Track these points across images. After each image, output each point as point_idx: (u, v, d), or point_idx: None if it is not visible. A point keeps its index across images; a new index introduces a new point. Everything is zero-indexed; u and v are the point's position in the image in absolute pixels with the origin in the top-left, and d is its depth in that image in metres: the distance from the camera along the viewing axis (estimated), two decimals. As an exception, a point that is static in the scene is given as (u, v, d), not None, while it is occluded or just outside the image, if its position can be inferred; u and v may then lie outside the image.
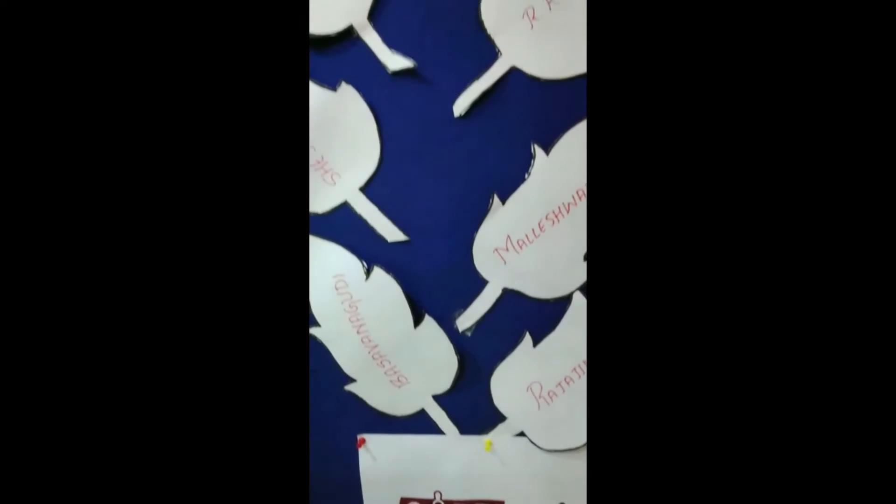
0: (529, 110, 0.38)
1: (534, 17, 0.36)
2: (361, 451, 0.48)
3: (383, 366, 0.45)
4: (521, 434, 0.46)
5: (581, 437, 0.45)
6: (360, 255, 0.43)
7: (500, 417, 0.45)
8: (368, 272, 0.43)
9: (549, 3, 0.36)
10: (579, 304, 0.42)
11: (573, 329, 0.42)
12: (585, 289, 0.41)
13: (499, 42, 0.37)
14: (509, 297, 0.42)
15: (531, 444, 0.46)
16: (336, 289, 0.44)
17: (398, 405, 0.46)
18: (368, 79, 0.39)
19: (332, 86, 0.39)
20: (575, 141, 0.38)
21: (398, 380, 0.45)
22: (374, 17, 0.38)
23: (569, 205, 0.39)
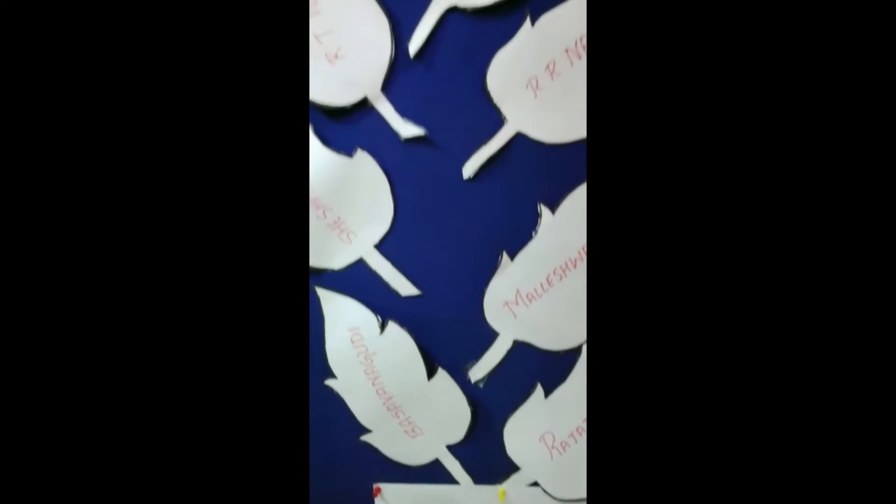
0: (535, 173, 0.40)
1: (537, 87, 0.39)
2: (377, 501, 0.49)
3: (398, 416, 0.46)
4: (535, 484, 0.46)
5: (594, 487, 0.45)
6: (375, 309, 0.44)
7: (513, 467, 0.46)
8: (383, 326, 0.44)
9: (551, 75, 0.38)
10: (588, 355, 0.43)
11: (583, 380, 0.43)
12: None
13: (504, 110, 0.40)
14: (520, 349, 0.44)
15: (545, 494, 0.46)
16: (352, 342, 0.45)
17: (413, 455, 0.47)
18: (382, 145, 0.42)
19: (349, 152, 0.42)
20: (579, 201, 0.40)
21: (413, 430, 0.46)
22: (386, 88, 0.41)
23: (575, 260, 0.41)
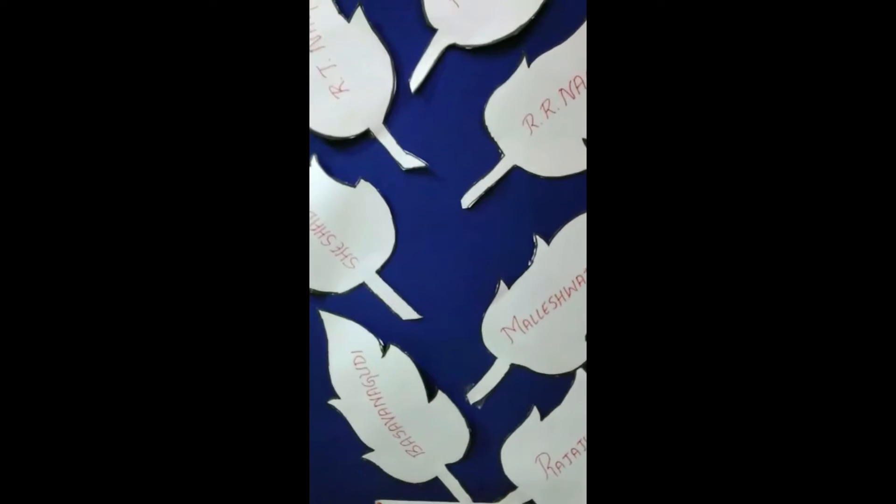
0: (531, 204, 0.42)
1: (533, 124, 0.40)
2: (379, 517, 0.50)
3: (399, 436, 0.48)
4: (531, 502, 0.47)
5: (589, 506, 0.46)
6: (377, 332, 0.46)
7: (510, 486, 0.48)
8: (385, 349, 0.46)
9: (545, 113, 0.40)
10: (582, 380, 0.44)
11: (578, 403, 0.44)
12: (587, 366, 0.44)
13: (501, 145, 0.41)
14: (517, 373, 0.45)
15: (541, 513, 0.48)
16: (354, 364, 0.47)
17: (413, 473, 0.49)
18: (384, 176, 0.43)
19: (352, 182, 0.43)
20: (573, 232, 0.41)
21: (413, 450, 0.48)
22: (388, 121, 0.42)
23: (570, 289, 0.42)
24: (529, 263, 0.43)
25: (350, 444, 0.49)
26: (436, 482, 0.48)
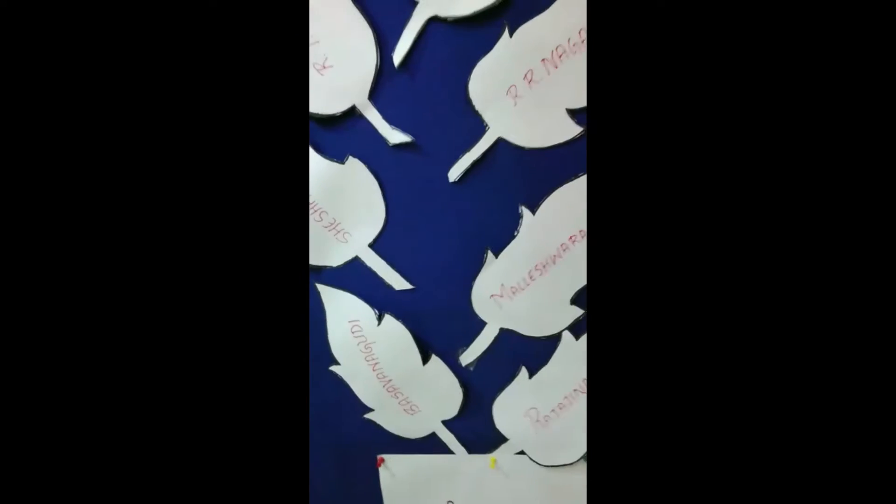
0: (516, 176, 0.43)
1: (516, 95, 0.40)
2: (381, 469, 0.54)
3: (397, 397, 0.51)
4: (522, 452, 0.51)
5: (573, 453, 0.50)
6: (372, 302, 0.48)
7: (502, 439, 0.51)
8: (380, 318, 0.48)
9: (528, 84, 0.40)
10: (568, 341, 0.47)
11: (563, 363, 0.47)
12: (573, 328, 0.46)
13: (486, 117, 0.41)
14: (506, 336, 0.48)
15: (530, 461, 0.51)
16: (352, 332, 0.49)
17: (412, 430, 0.52)
18: (372, 152, 0.44)
19: (341, 159, 0.44)
20: (558, 202, 0.43)
21: (411, 408, 0.51)
22: (373, 97, 0.42)
23: (555, 257, 0.44)
24: (516, 233, 0.44)
25: (352, 405, 0.52)
26: (433, 437, 0.52)
